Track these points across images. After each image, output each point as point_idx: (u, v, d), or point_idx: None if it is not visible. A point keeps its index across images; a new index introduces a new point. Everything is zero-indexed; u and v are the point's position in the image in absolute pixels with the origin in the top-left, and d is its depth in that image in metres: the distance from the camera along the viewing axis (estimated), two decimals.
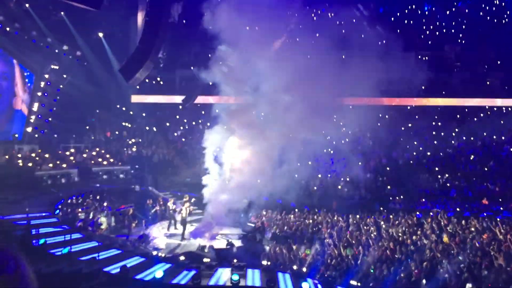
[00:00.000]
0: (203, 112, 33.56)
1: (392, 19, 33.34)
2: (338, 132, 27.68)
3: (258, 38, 23.54)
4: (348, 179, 25.99)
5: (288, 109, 22.56)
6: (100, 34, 30.66)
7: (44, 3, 26.61)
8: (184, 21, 29.27)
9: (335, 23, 28.70)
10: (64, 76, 29.18)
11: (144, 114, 33.89)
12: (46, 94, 28.14)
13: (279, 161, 23.18)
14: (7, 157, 24.27)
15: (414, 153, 28.46)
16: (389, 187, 25.52)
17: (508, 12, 35.22)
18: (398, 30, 29.91)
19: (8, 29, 24.51)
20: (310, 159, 26.46)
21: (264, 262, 15.32)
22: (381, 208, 23.27)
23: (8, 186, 20.00)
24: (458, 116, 31.64)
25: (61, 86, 29.23)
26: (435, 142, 29.33)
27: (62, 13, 27.52)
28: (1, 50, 24.26)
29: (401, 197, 24.49)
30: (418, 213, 21.95)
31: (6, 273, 1.17)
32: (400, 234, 17.89)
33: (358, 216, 21.18)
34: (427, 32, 35.35)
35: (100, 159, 28.15)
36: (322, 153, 27.58)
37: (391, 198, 24.61)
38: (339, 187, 25.64)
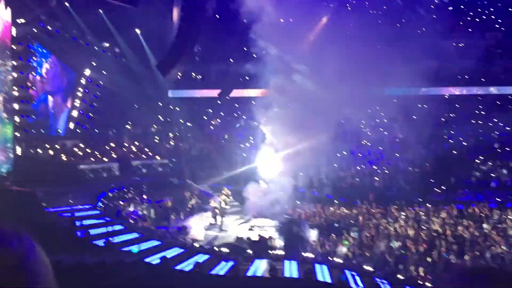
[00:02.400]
0: (237, 105, 33.84)
1: (431, 6, 32.37)
2: (375, 123, 27.34)
3: (294, 29, 23.54)
4: (386, 170, 25.65)
5: (327, 98, 22.44)
6: (138, 31, 31.20)
7: (83, 2, 27.28)
8: (218, 15, 29.40)
9: (373, 10, 28.16)
10: (104, 72, 29.94)
11: (180, 109, 34.31)
12: (87, 90, 28.99)
13: (318, 151, 23.15)
14: (51, 152, 25.13)
15: (454, 144, 27.74)
16: (428, 178, 24.98)
17: None
18: (437, 17, 29.05)
19: (49, 28, 25.36)
20: (347, 150, 26.28)
21: (301, 254, 15.40)
22: (420, 200, 22.88)
23: (53, 180, 20.70)
24: (500, 104, 30.57)
25: (101, 82, 30.02)
26: (477, 131, 28.44)
27: (100, 10, 28.15)
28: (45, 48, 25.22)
29: (441, 188, 23.97)
30: (458, 204, 21.48)
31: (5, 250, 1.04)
32: (439, 226, 17.58)
33: (396, 207, 20.90)
34: (468, 19, 34.21)
35: (139, 153, 28.75)
36: (359, 143, 27.32)
37: (430, 189, 24.12)
38: (376, 178, 25.31)
